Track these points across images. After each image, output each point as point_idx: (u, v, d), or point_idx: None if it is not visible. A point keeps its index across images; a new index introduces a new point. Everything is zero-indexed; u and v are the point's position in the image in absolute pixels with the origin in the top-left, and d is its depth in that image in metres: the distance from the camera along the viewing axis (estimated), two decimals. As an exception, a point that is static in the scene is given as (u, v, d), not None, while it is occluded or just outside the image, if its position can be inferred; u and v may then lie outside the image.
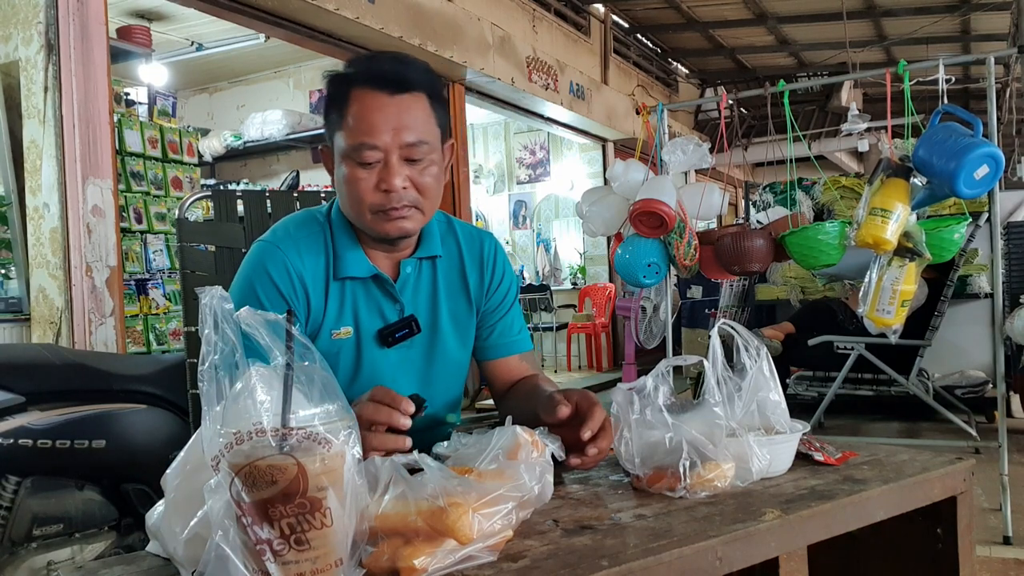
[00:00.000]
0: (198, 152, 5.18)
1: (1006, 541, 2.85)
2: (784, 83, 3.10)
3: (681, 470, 1.00)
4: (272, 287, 1.28)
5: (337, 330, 1.32)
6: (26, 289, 3.42)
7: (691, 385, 5.70)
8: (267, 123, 6.34)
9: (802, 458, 1.16)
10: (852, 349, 4.04)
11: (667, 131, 3.46)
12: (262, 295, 1.27)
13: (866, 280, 2.81)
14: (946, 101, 2.78)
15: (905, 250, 2.69)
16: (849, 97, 9.67)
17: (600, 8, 8.55)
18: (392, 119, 1.23)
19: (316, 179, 6.79)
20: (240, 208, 1.85)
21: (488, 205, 10.16)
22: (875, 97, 10.10)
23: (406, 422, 1.00)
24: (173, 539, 0.80)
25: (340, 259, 1.32)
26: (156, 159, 4.64)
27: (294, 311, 1.27)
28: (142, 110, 4.99)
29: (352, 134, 1.23)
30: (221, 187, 5.97)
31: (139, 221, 4.48)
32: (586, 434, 1.07)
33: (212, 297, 0.74)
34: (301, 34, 4.87)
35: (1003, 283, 4.27)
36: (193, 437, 0.82)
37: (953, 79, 3.10)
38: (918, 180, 2.72)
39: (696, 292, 6.72)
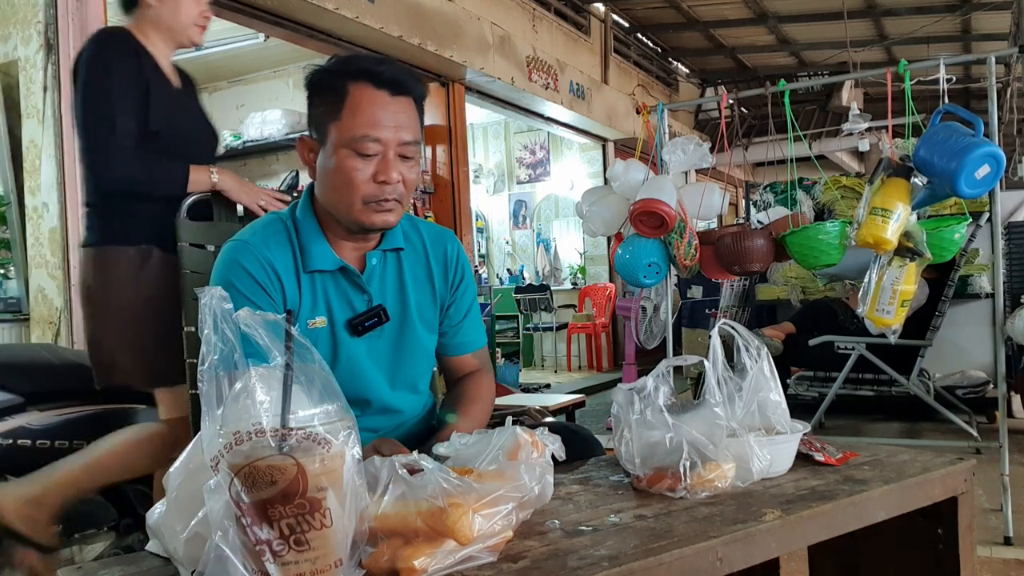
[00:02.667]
0: (198, 152, 5.16)
1: (1007, 542, 2.84)
2: (785, 82, 3.10)
3: (681, 470, 1.00)
4: (250, 279, 1.31)
5: (312, 320, 1.36)
6: (25, 289, 3.41)
7: (691, 385, 5.69)
8: (266, 123, 6.33)
9: (803, 458, 1.16)
10: (853, 349, 4.03)
11: (667, 131, 3.46)
12: (242, 288, 1.30)
13: (866, 280, 2.81)
14: (947, 101, 2.78)
15: (906, 250, 2.69)
16: (850, 97, 9.66)
17: (600, 7, 8.55)
18: (393, 118, 1.31)
19: (316, 179, 6.77)
20: (240, 208, 1.85)
21: (488, 205, 10.16)
22: (876, 97, 10.10)
23: None
24: (173, 539, 0.80)
25: (307, 253, 1.36)
26: (156, 159, 4.63)
27: (279, 304, 1.31)
28: (142, 110, 4.97)
29: (355, 126, 1.29)
30: (221, 187, 5.95)
31: (139, 221, 4.47)
32: None
33: (212, 297, 0.74)
34: (301, 33, 4.86)
35: (1004, 283, 4.25)
36: (194, 438, 0.82)
37: (954, 79, 3.10)
38: (919, 180, 2.72)
39: (696, 292, 6.72)
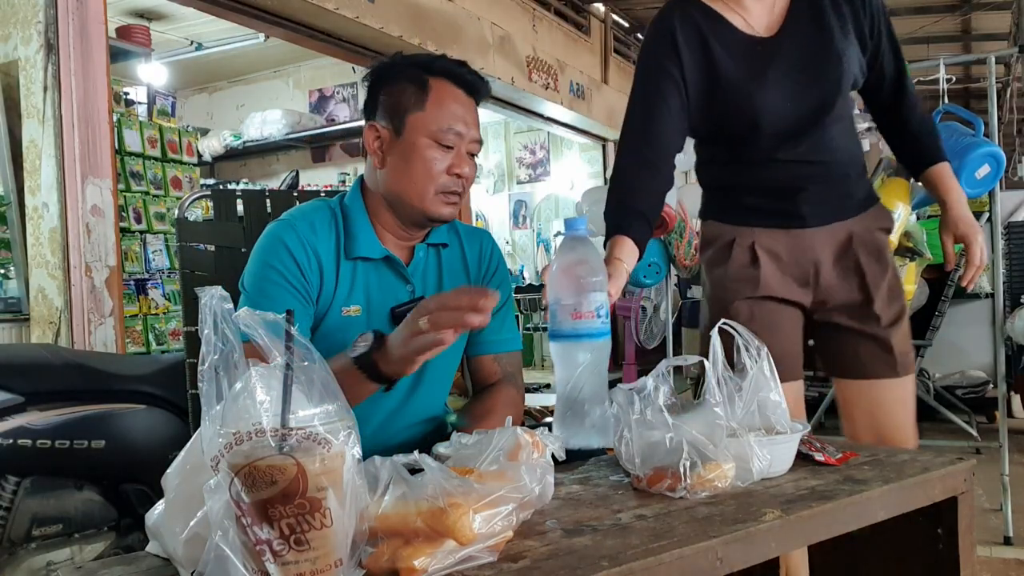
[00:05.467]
0: (197, 152, 5.17)
1: (1007, 542, 2.85)
2: (784, 83, 3.09)
3: (681, 470, 1.00)
4: (290, 258, 1.33)
5: (347, 307, 1.37)
6: (25, 289, 3.41)
7: (691, 385, 5.69)
8: (266, 123, 6.34)
9: (803, 458, 1.16)
10: (852, 349, 4.03)
11: (667, 131, 3.45)
12: (280, 267, 1.32)
13: (866, 280, 2.80)
14: (947, 101, 2.79)
15: (906, 250, 2.69)
16: (849, 97, 9.64)
17: (600, 7, 8.54)
18: (471, 117, 1.42)
19: (316, 179, 6.78)
20: (240, 208, 1.85)
21: (488, 205, 10.15)
22: (875, 97, 10.08)
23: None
24: (173, 539, 0.80)
25: (353, 240, 1.39)
26: (155, 159, 4.64)
27: (314, 286, 1.31)
28: (141, 110, 4.98)
29: (441, 118, 1.37)
30: (221, 187, 5.97)
31: (138, 221, 4.47)
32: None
33: (212, 297, 0.74)
34: (301, 33, 4.86)
35: (1004, 283, 4.25)
36: (193, 437, 0.82)
37: (954, 79, 3.10)
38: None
39: (696, 292, 6.71)
